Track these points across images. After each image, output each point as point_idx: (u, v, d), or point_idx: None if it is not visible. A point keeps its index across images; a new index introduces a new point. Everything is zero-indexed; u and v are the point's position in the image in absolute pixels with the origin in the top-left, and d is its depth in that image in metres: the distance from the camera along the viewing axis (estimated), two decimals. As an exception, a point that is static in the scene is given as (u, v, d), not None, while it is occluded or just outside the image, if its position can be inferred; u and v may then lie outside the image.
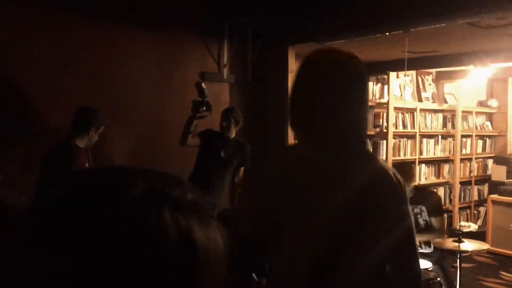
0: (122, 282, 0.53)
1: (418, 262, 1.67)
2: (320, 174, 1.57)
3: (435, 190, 6.36)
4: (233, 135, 4.34)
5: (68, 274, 0.52)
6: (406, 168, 4.45)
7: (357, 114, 1.56)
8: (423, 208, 4.22)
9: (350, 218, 1.54)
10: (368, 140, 1.54)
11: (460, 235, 3.69)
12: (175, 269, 0.56)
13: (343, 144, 1.55)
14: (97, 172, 0.63)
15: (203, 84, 4.04)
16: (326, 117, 1.52)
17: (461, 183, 7.45)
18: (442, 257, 4.15)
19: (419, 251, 1.77)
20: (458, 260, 3.77)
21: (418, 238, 3.55)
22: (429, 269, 3.78)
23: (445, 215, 4.59)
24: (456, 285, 3.86)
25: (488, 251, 6.39)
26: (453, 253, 3.84)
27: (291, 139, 5.31)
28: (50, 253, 0.53)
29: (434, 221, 4.08)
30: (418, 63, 5.98)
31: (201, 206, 0.61)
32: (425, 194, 4.33)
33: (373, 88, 6.56)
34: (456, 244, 3.66)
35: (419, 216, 4.25)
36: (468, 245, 3.70)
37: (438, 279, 3.58)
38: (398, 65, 5.73)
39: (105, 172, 0.62)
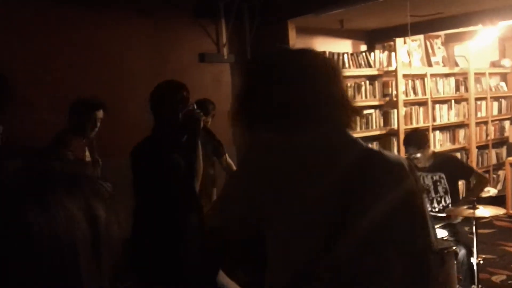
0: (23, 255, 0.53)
1: (422, 236, 1.56)
2: (297, 161, 1.45)
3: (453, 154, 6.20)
4: None
5: None
6: (419, 134, 4.33)
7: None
8: (443, 175, 4.10)
9: (338, 203, 1.41)
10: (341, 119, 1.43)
11: (474, 202, 3.56)
12: (78, 245, 0.56)
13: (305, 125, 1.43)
14: None
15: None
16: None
17: (477, 147, 7.26)
18: (458, 224, 4.04)
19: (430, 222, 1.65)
20: (474, 227, 3.65)
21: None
22: (444, 238, 3.67)
23: (475, 171, 4.43)
24: (473, 252, 3.75)
25: (509, 215, 6.24)
26: (470, 219, 3.72)
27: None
28: None
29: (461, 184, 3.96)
30: (424, 27, 5.78)
31: (98, 183, 0.63)
32: (443, 160, 4.22)
33: (380, 56, 6.37)
34: (471, 211, 3.53)
35: (438, 183, 4.13)
36: (484, 211, 3.58)
37: (454, 247, 3.47)
38: (403, 31, 5.54)
39: None
